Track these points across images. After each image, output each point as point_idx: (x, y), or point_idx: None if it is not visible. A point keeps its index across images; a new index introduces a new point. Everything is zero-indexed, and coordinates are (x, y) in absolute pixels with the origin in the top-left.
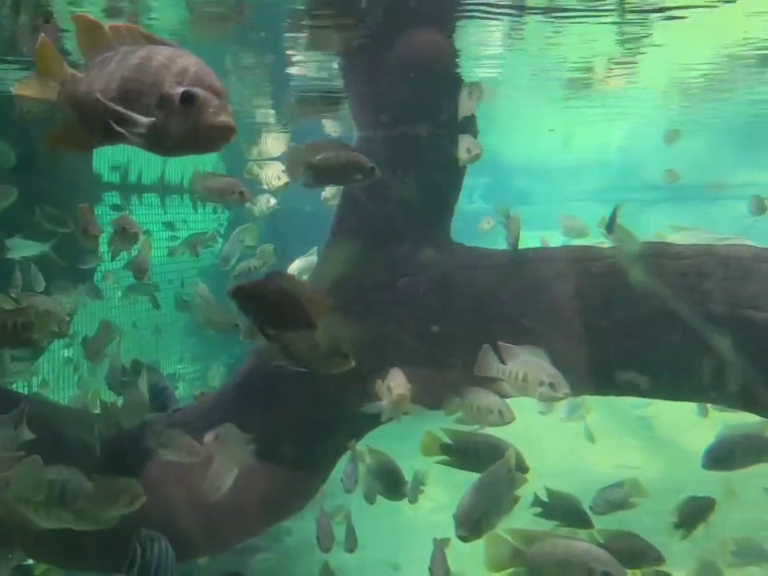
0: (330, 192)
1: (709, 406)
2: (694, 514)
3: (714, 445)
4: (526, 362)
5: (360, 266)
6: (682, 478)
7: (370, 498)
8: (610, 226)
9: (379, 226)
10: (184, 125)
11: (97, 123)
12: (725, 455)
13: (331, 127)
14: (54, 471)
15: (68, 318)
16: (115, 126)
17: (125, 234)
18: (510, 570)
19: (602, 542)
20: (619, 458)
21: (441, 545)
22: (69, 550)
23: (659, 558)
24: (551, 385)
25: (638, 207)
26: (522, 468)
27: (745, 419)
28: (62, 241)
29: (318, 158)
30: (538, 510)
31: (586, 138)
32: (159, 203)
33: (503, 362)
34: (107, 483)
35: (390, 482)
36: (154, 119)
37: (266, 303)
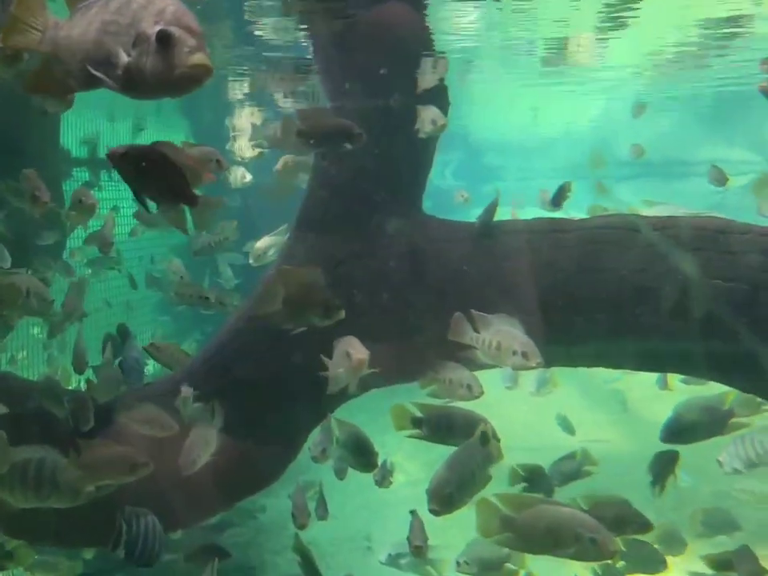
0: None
1: (670, 377)
2: (664, 468)
3: (671, 418)
4: (500, 331)
5: (331, 239)
6: (653, 451)
7: (340, 473)
8: (556, 200)
9: (349, 198)
10: (159, 64)
11: (75, 67)
12: (682, 429)
13: (283, 103)
14: (28, 451)
15: (51, 298)
16: (92, 70)
17: (82, 206)
18: (500, 535)
19: (587, 508)
20: (590, 432)
21: (418, 515)
22: (46, 527)
23: (646, 525)
24: (524, 354)
25: (608, 183)
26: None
27: (710, 390)
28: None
29: (308, 124)
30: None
31: (557, 114)
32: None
33: (477, 331)
34: (110, 451)
35: (360, 453)
36: (129, 59)
37: (144, 170)
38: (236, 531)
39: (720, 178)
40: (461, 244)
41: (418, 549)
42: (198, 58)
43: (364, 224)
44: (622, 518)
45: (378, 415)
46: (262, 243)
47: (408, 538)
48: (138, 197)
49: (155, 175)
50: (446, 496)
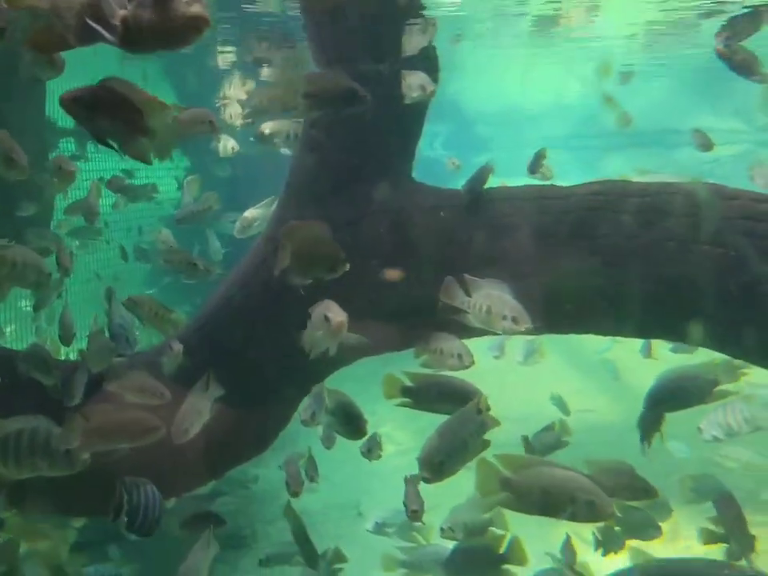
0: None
1: (654, 346)
2: (650, 425)
3: (654, 387)
4: (490, 295)
5: (319, 206)
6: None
7: (328, 441)
8: (533, 166)
9: (338, 165)
10: (157, 16)
11: (74, 22)
12: (666, 397)
13: (269, 71)
14: (20, 421)
15: (48, 270)
16: (91, 23)
17: (62, 173)
18: (498, 495)
19: (590, 473)
20: (580, 401)
21: (412, 480)
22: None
23: (650, 491)
24: (513, 319)
25: (599, 154)
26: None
27: (698, 359)
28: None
29: (314, 86)
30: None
31: (547, 84)
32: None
33: (468, 295)
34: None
35: (349, 420)
36: (127, 11)
37: (97, 109)
38: (227, 500)
39: (705, 143)
40: (451, 211)
41: (415, 513)
42: (196, 8)
43: (353, 192)
44: (626, 484)
45: (369, 385)
46: (249, 214)
47: (404, 503)
48: (99, 139)
49: (108, 112)
50: (437, 464)
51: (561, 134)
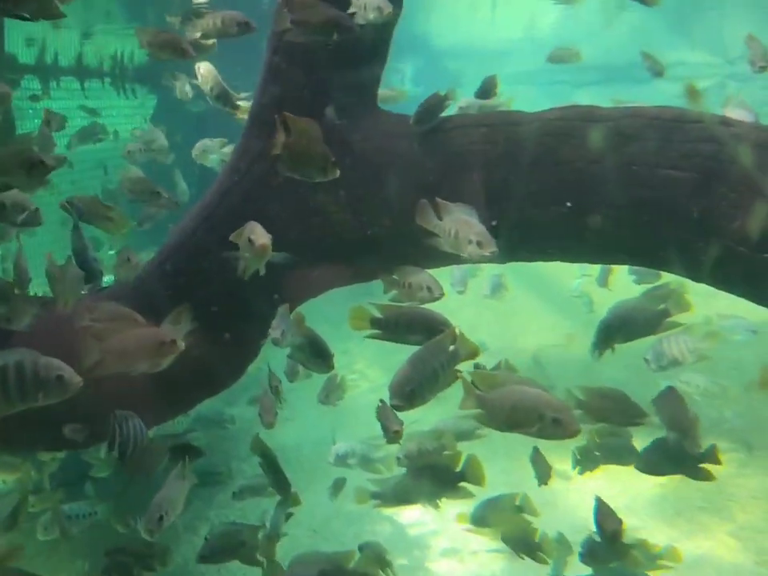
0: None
1: (612, 276)
2: (605, 337)
3: (605, 319)
4: (458, 220)
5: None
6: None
7: (291, 375)
8: (481, 92)
9: (302, 93)
10: None
11: None
12: (616, 329)
13: None
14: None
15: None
16: None
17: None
18: (476, 411)
19: (582, 398)
20: (550, 336)
21: (387, 404)
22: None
23: (641, 415)
24: (479, 243)
25: (569, 89)
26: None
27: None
28: None
29: (301, 15)
30: None
31: (517, 18)
32: (79, 87)
33: (440, 218)
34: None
35: (317, 353)
36: None
37: None
38: (200, 437)
39: (656, 68)
40: (416, 138)
41: (397, 433)
42: None
43: (318, 118)
44: (619, 408)
45: (340, 323)
46: (200, 145)
47: (384, 426)
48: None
49: None
50: (408, 393)
51: (532, 69)
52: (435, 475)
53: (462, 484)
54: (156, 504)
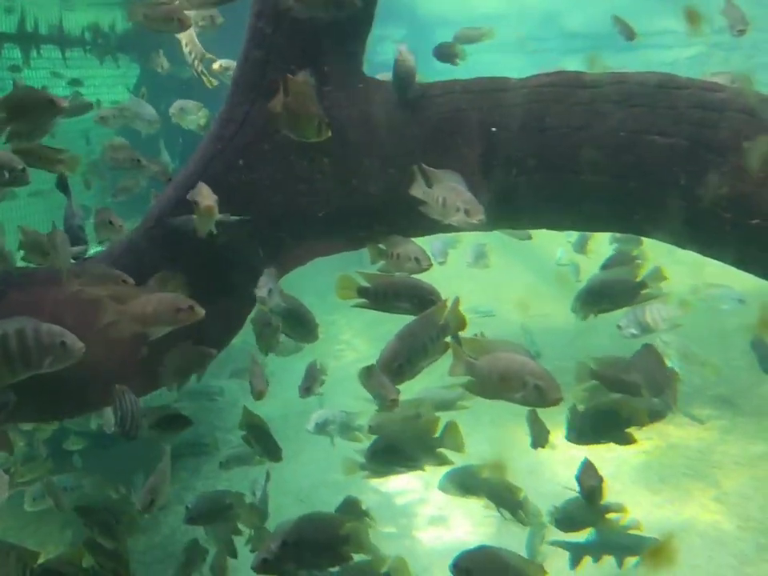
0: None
1: (591, 243)
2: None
3: (582, 290)
4: (446, 187)
5: (267, 102)
6: (594, 323)
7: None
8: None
9: (286, 55)
10: None
11: None
12: (594, 299)
13: None
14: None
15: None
16: None
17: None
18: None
19: (594, 368)
20: (536, 305)
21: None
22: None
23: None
24: (466, 211)
25: (556, 56)
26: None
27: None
28: None
29: None
30: None
31: None
32: (60, 57)
33: (429, 186)
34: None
35: (301, 322)
36: None
37: None
38: (184, 406)
39: (627, 32)
40: (402, 105)
41: (394, 402)
42: None
43: None
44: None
45: (327, 295)
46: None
47: (379, 395)
48: None
49: None
50: (397, 368)
51: (520, 37)
52: (412, 442)
53: (441, 450)
54: (147, 489)
